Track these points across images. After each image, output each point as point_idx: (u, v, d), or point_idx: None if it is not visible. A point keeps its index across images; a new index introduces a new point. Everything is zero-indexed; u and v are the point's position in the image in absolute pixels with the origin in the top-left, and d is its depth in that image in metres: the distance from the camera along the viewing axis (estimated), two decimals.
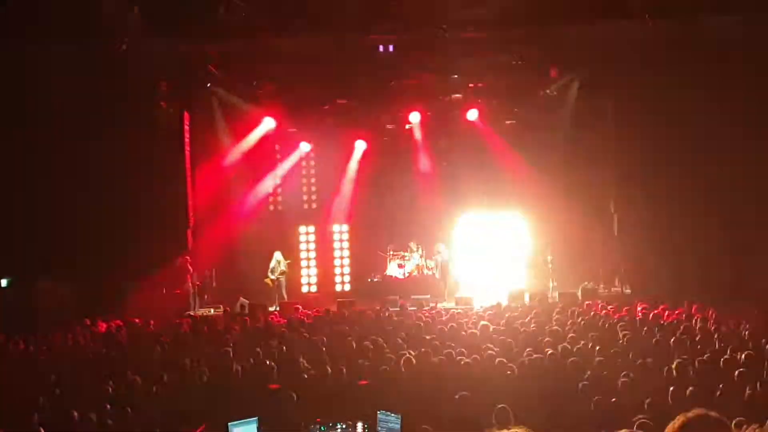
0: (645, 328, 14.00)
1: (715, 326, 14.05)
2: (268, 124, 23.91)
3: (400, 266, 24.27)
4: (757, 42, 19.15)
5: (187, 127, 22.56)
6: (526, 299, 20.72)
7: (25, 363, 12.95)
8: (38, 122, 20.38)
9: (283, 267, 22.66)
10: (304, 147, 25.00)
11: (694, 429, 3.21)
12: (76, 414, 8.70)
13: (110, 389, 10.18)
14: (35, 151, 20.54)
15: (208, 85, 22.26)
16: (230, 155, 23.86)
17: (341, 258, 25.90)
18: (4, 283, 20.73)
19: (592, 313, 16.44)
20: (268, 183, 25.00)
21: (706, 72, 20.25)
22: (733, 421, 3.43)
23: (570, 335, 13.31)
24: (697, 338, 12.76)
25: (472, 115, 23.77)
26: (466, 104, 23.72)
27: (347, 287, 25.56)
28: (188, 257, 21.90)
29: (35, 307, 19.93)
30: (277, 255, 22.72)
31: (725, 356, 10.87)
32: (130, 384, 10.29)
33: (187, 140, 22.57)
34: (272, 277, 22.49)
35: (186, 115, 22.51)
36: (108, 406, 9.08)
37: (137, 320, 17.61)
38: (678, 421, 3.25)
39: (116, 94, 20.17)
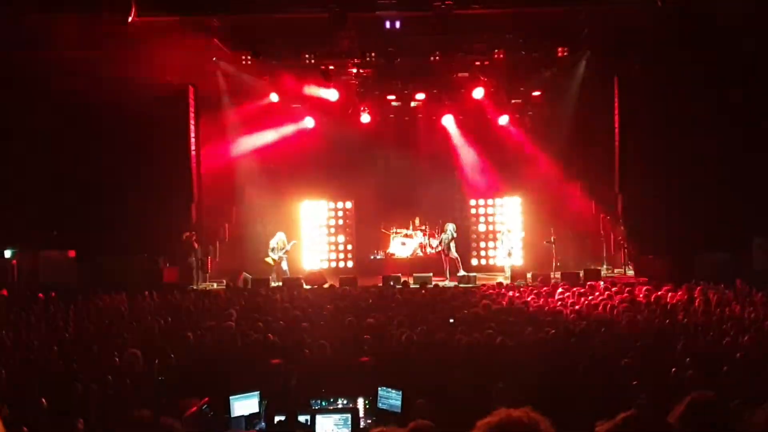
0: (647, 310, 13.98)
1: (718, 309, 14.03)
2: (272, 98, 23.81)
3: (403, 244, 24.26)
4: (761, 23, 19.04)
5: (192, 102, 22.45)
6: (529, 279, 20.73)
7: (27, 334, 12.95)
8: (41, 94, 20.33)
9: (287, 247, 22.52)
10: (309, 122, 24.84)
11: (699, 411, 3.22)
12: (79, 386, 8.71)
13: (113, 362, 10.19)
14: (39, 123, 20.52)
15: (214, 59, 22.19)
16: (235, 130, 23.82)
17: (345, 235, 25.88)
18: (8, 253, 20.77)
19: (594, 294, 16.43)
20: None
21: (713, 53, 20.13)
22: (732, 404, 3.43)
23: (572, 316, 13.32)
24: (699, 321, 12.73)
25: (478, 93, 23.58)
26: (472, 83, 23.54)
27: (350, 264, 25.56)
28: (194, 233, 21.82)
29: (38, 278, 20.03)
30: (281, 235, 22.60)
31: (727, 338, 10.86)
32: (131, 356, 10.27)
33: (191, 114, 22.47)
34: (273, 256, 22.39)
35: (191, 89, 22.41)
36: (109, 378, 9.08)
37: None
38: (683, 403, 3.26)
39: (121, 67, 20.09)
